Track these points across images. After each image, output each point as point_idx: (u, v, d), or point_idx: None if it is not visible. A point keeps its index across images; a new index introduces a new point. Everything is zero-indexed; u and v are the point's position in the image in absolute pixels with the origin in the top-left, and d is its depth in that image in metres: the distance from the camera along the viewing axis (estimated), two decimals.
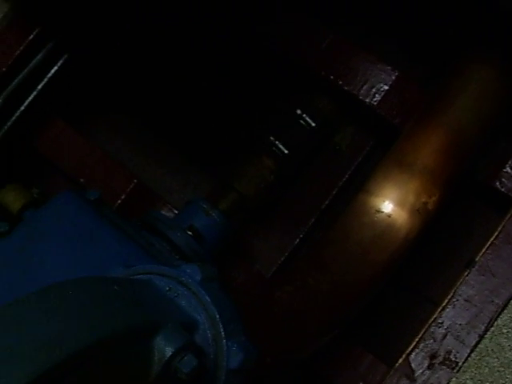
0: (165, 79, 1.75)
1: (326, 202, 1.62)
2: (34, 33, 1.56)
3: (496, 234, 1.28)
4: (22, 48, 1.55)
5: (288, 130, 1.60)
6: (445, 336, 1.24)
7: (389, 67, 1.52)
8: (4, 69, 1.54)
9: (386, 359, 1.42)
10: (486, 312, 1.23)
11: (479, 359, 1.16)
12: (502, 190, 1.41)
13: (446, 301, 1.26)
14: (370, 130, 1.62)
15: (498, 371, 1.14)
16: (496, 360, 1.15)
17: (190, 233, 1.41)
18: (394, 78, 1.51)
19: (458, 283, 1.27)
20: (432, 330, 1.25)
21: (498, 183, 1.41)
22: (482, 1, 1.32)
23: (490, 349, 1.16)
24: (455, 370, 1.20)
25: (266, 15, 1.62)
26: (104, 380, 0.82)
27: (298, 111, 1.60)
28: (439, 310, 1.26)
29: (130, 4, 1.62)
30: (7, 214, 1.45)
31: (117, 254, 1.22)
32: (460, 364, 1.20)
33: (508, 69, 1.35)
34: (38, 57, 1.58)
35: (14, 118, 1.59)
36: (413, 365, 1.24)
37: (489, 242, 1.27)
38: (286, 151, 1.58)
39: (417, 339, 1.25)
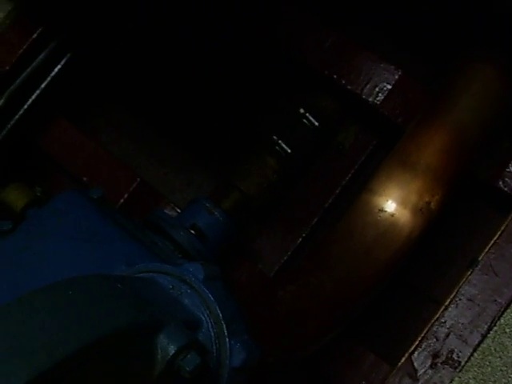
0: (168, 78, 1.75)
1: (329, 201, 1.62)
2: (38, 32, 1.56)
3: (499, 233, 1.28)
4: (25, 47, 1.55)
5: (291, 129, 1.60)
6: (447, 335, 1.24)
7: (392, 66, 1.52)
8: (7, 68, 1.55)
9: (388, 358, 1.42)
10: (489, 311, 1.23)
11: (482, 358, 1.16)
12: (505, 189, 1.41)
13: (449, 300, 1.26)
14: (373, 130, 1.62)
15: (501, 370, 1.14)
16: (499, 359, 1.15)
17: (192, 232, 1.41)
18: (397, 77, 1.51)
19: (461, 282, 1.27)
20: (435, 329, 1.25)
21: (500, 183, 1.41)
22: (485, 0, 1.32)
23: (492, 348, 1.16)
24: (458, 370, 1.20)
25: (269, 15, 1.62)
26: (107, 378, 0.82)
27: (301, 110, 1.60)
28: (442, 309, 1.26)
29: (134, 3, 1.62)
30: (10, 212, 1.46)
31: (120, 252, 1.22)
32: (462, 363, 1.20)
33: (511, 68, 1.35)
34: (42, 56, 1.58)
35: (17, 116, 1.60)
36: (415, 364, 1.24)
37: (492, 242, 1.27)
38: (289, 150, 1.58)
39: (419, 338, 1.25)
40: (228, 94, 1.72)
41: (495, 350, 1.16)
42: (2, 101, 1.56)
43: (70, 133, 1.67)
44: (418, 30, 1.57)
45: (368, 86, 1.52)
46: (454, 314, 1.25)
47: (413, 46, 1.62)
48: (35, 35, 1.56)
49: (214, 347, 0.93)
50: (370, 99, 1.52)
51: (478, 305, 1.24)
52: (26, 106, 1.60)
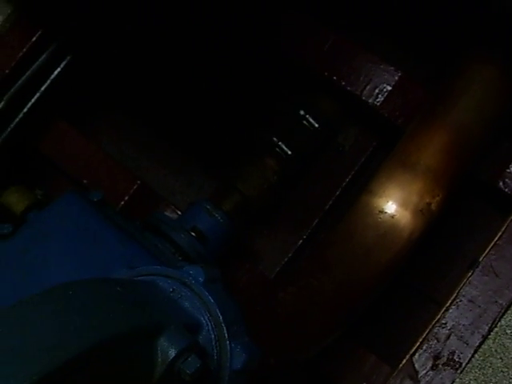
0: (167, 80, 1.75)
1: (330, 203, 1.62)
2: (37, 34, 1.56)
3: (499, 234, 1.28)
4: (25, 50, 1.55)
5: (291, 130, 1.60)
6: (448, 337, 1.24)
7: (392, 68, 1.52)
8: (7, 71, 1.55)
9: (389, 360, 1.42)
10: (490, 312, 1.23)
11: (483, 360, 1.16)
12: (506, 190, 1.41)
13: (450, 301, 1.26)
14: (373, 131, 1.62)
15: (502, 372, 1.14)
16: (500, 360, 1.15)
17: (193, 234, 1.41)
18: (396, 78, 1.51)
19: (462, 284, 1.27)
20: (435, 330, 1.25)
21: (501, 183, 1.41)
22: (485, 0, 1.32)
23: (493, 349, 1.16)
24: (459, 371, 1.20)
25: (269, 16, 1.62)
26: (107, 381, 0.82)
27: (301, 112, 1.60)
28: (443, 310, 1.26)
29: (132, 5, 1.62)
30: (11, 215, 1.46)
31: (120, 255, 1.22)
32: (463, 365, 1.20)
33: (510, 69, 1.35)
34: (41, 58, 1.58)
35: (17, 119, 1.60)
36: (416, 365, 1.23)
37: (492, 243, 1.27)
38: (289, 152, 1.58)
39: (420, 340, 1.25)
40: (228, 96, 1.72)
41: (496, 351, 1.16)
42: (2, 104, 1.56)
43: (70, 135, 1.67)
44: (417, 31, 1.57)
45: (368, 88, 1.52)
46: (454, 316, 1.25)
47: (413, 47, 1.62)
48: (35, 38, 1.56)
49: (215, 350, 0.93)
50: (370, 100, 1.52)
51: (479, 306, 1.24)
52: (25, 109, 1.60)
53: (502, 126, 1.38)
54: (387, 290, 1.37)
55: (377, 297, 1.37)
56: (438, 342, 1.24)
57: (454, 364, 1.22)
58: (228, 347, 0.94)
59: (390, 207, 1.32)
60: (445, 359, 1.23)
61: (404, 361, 1.24)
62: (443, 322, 1.25)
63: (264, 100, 1.72)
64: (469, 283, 1.26)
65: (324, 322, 1.36)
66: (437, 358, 1.23)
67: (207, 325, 0.94)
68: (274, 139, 1.58)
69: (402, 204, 1.32)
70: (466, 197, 1.50)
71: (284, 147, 1.58)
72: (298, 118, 1.60)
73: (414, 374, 1.23)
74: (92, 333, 0.79)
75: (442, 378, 1.21)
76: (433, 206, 1.32)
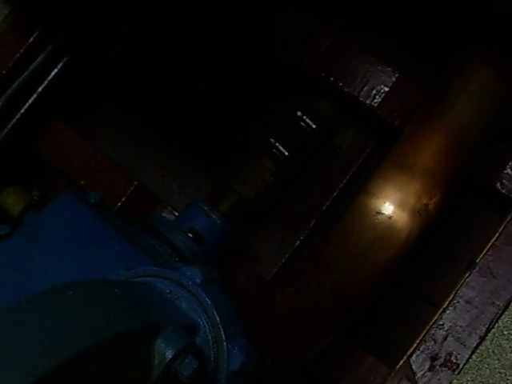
0: (164, 81, 1.75)
1: (327, 204, 1.62)
2: (34, 35, 1.56)
3: (497, 235, 1.28)
4: (22, 50, 1.55)
5: (288, 131, 1.60)
6: (446, 338, 1.24)
7: (389, 69, 1.52)
8: (4, 71, 1.54)
9: (387, 361, 1.42)
10: (487, 314, 1.23)
11: (480, 361, 1.16)
12: (503, 191, 1.41)
13: (447, 302, 1.26)
14: (371, 132, 1.62)
15: (499, 373, 1.14)
16: (497, 362, 1.15)
17: (190, 235, 1.41)
18: (394, 79, 1.51)
19: (459, 285, 1.27)
20: (433, 331, 1.25)
21: (498, 184, 1.41)
22: (482, 2, 1.32)
23: (490, 350, 1.16)
24: (456, 372, 1.20)
25: (266, 17, 1.62)
26: (105, 382, 0.82)
27: (299, 113, 1.60)
28: (440, 311, 1.26)
29: (129, 6, 1.62)
30: (8, 216, 1.45)
31: (117, 256, 1.22)
32: (461, 366, 1.20)
33: (508, 69, 1.35)
34: (38, 59, 1.58)
35: (14, 120, 1.60)
36: (414, 367, 1.23)
37: (489, 244, 1.27)
38: (286, 153, 1.58)
39: (418, 341, 1.25)
40: (225, 97, 1.72)
41: (493, 352, 1.16)
42: None
43: (67, 136, 1.67)
44: (415, 32, 1.58)
45: (365, 89, 1.52)
46: (452, 317, 1.25)
47: (410, 48, 1.62)
48: (32, 39, 1.55)
49: (212, 351, 0.93)
50: (367, 101, 1.52)
51: (476, 307, 1.24)
52: (22, 110, 1.60)
53: (499, 126, 1.38)
54: (385, 291, 1.37)
55: (374, 298, 1.37)
56: (436, 343, 1.24)
57: (451, 365, 1.22)
58: (225, 348, 0.94)
59: (388, 208, 1.32)
60: (442, 360, 1.23)
61: (401, 362, 1.24)
62: (440, 323, 1.25)
63: (261, 101, 1.71)
64: (466, 284, 1.26)
65: (321, 322, 1.36)
66: (434, 359, 1.23)
67: (204, 326, 0.94)
68: (272, 140, 1.58)
69: (400, 205, 1.32)
70: (464, 198, 1.49)
71: (281, 148, 1.58)
72: (295, 119, 1.60)
73: (411, 375, 1.23)
74: (89, 334, 0.79)
75: (439, 379, 1.21)
76: (430, 207, 1.32)
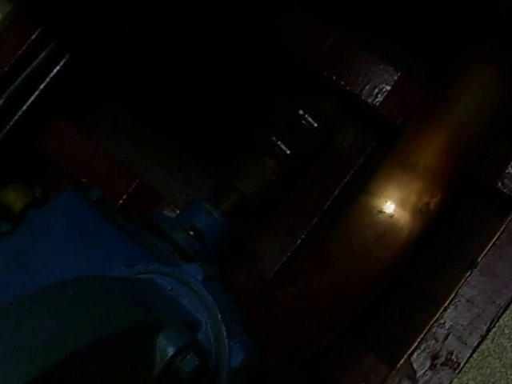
0: (166, 79, 1.75)
1: (328, 203, 1.62)
2: (36, 33, 1.56)
3: (498, 234, 1.28)
4: (24, 48, 1.55)
5: (290, 130, 1.60)
6: (447, 336, 1.24)
7: (391, 67, 1.52)
8: (6, 68, 1.54)
9: (387, 360, 1.42)
10: (488, 312, 1.23)
11: (481, 360, 1.16)
12: (504, 190, 1.41)
13: (448, 301, 1.26)
14: (373, 131, 1.62)
15: (500, 372, 1.14)
16: (498, 361, 1.15)
17: (191, 233, 1.41)
18: (396, 78, 1.51)
19: (460, 284, 1.27)
20: (434, 330, 1.25)
21: (500, 184, 1.41)
22: (484, 0, 1.31)
23: (491, 349, 1.16)
24: (457, 371, 1.20)
25: (269, 15, 1.62)
26: (105, 379, 0.82)
27: (300, 111, 1.60)
28: (441, 310, 1.26)
29: (131, 4, 1.62)
30: (9, 213, 1.46)
31: (119, 253, 1.22)
32: (462, 365, 1.20)
33: (510, 69, 1.35)
34: (40, 57, 1.58)
35: (16, 117, 1.60)
36: (414, 365, 1.23)
37: (491, 243, 1.27)
38: (287, 151, 1.58)
39: (418, 340, 1.25)
40: (227, 95, 1.72)
41: (494, 351, 1.16)
42: (1, 101, 1.56)
43: (68, 134, 1.67)
44: (417, 31, 1.57)
45: (367, 87, 1.52)
46: (453, 316, 1.25)
47: (412, 47, 1.62)
48: (34, 36, 1.55)
49: (213, 348, 0.93)
50: (369, 100, 1.52)
51: (477, 306, 1.24)
52: (25, 107, 1.60)
53: (500, 126, 1.38)
54: (386, 290, 1.37)
55: (375, 296, 1.37)
56: (437, 341, 1.24)
57: (452, 364, 1.22)
58: (226, 345, 0.94)
59: (389, 207, 1.32)
60: (443, 359, 1.23)
61: (402, 360, 1.24)
62: (441, 321, 1.25)
63: (263, 99, 1.72)
64: (467, 283, 1.26)
65: (322, 321, 1.36)
66: (435, 357, 1.23)
67: (206, 323, 0.94)
68: (273, 138, 1.58)
69: (401, 204, 1.32)
70: (465, 197, 1.50)
71: (283, 146, 1.58)
72: (297, 118, 1.60)
73: (412, 374, 1.23)
74: (90, 330, 0.79)
75: (440, 377, 1.21)
76: (431, 206, 1.32)
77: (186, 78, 1.74)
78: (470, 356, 1.19)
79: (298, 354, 1.41)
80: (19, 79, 1.57)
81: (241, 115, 1.72)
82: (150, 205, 1.60)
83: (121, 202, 1.59)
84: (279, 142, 1.58)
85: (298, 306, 1.37)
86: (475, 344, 1.21)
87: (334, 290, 1.34)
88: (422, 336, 1.25)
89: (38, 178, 1.69)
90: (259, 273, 1.57)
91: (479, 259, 1.27)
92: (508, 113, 1.37)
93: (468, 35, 1.41)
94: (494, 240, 1.27)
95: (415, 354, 1.24)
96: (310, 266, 1.39)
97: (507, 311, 1.20)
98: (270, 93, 1.70)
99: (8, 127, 1.59)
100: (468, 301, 1.25)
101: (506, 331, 1.17)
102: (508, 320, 1.18)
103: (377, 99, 1.52)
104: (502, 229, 1.28)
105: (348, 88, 1.54)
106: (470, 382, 1.15)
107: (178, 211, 1.58)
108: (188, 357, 0.86)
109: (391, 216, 1.32)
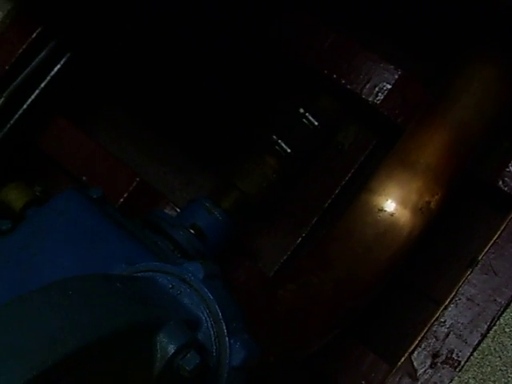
0: (167, 78, 1.75)
1: (329, 201, 1.62)
2: (37, 31, 1.56)
3: (499, 233, 1.27)
4: (24, 46, 1.55)
5: (291, 128, 1.60)
6: (447, 335, 1.24)
7: (392, 66, 1.52)
8: (7, 67, 1.55)
9: (388, 358, 1.42)
10: (489, 311, 1.23)
11: (482, 358, 1.16)
12: (505, 189, 1.41)
13: (449, 300, 1.26)
14: (373, 129, 1.62)
15: (501, 370, 1.14)
16: (498, 359, 1.15)
17: (192, 231, 1.41)
18: (396, 77, 1.51)
19: (461, 282, 1.27)
20: (434, 328, 1.25)
21: (500, 182, 1.41)
22: (484, 0, 1.32)
23: (492, 348, 1.16)
24: (457, 369, 1.20)
25: (269, 14, 1.62)
26: (106, 377, 0.82)
27: (301, 110, 1.60)
28: (441, 308, 1.26)
29: (132, 3, 1.62)
30: (10, 212, 1.46)
31: (119, 251, 1.22)
32: (462, 363, 1.20)
33: (510, 68, 1.35)
34: (41, 55, 1.58)
35: (16, 116, 1.60)
36: (415, 364, 1.23)
37: (491, 241, 1.27)
38: (288, 150, 1.58)
39: (419, 338, 1.25)
40: (228, 94, 1.72)
41: (495, 349, 1.16)
42: (2, 100, 1.56)
43: (69, 132, 1.67)
44: (417, 30, 1.57)
45: (368, 86, 1.52)
46: (453, 314, 1.25)
47: (413, 46, 1.62)
48: (35, 35, 1.56)
49: (214, 346, 0.93)
50: (370, 99, 1.52)
51: (478, 304, 1.24)
52: (25, 106, 1.60)
53: (501, 124, 1.38)
54: (386, 289, 1.37)
55: (376, 295, 1.37)
56: (437, 340, 1.24)
57: (452, 362, 1.22)
58: (227, 344, 0.94)
59: (390, 205, 1.32)
60: (443, 357, 1.23)
61: (403, 359, 1.24)
62: (442, 320, 1.25)
63: (264, 98, 1.72)
64: (468, 282, 1.26)
65: (323, 319, 1.36)
66: (435, 356, 1.23)
67: (206, 321, 0.94)
68: (274, 137, 1.58)
69: (402, 202, 1.32)
70: (466, 196, 1.50)
71: (284, 145, 1.58)
72: (297, 116, 1.60)
73: (412, 372, 1.23)
74: (91, 328, 0.79)
75: (440, 376, 1.21)
76: (432, 205, 1.32)
77: (186, 78, 1.74)
78: (471, 354, 1.19)
79: (298, 352, 1.41)
80: (20, 78, 1.57)
81: (241, 114, 1.72)
82: (151, 203, 1.60)
83: (121, 200, 1.59)
84: (280, 141, 1.58)
85: (299, 305, 1.37)
86: (476, 342, 1.21)
87: (335, 288, 1.34)
88: (422, 334, 1.25)
89: (38, 177, 1.69)
90: (260, 271, 1.58)
91: (480, 258, 1.27)
92: (508, 111, 1.37)
93: (468, 34, 1.41)
94: (494, 238, 1.27)
95: (416, 352, 1.24)
96: (310, 265, 1.39)
97: (508, 310, 1.20)
98: (270, 92, 1.70)
99: (8, 126, 1.60)
100: (468, 299, 1.25)
101: (507, 330, 1.17)
102: (509, 318, 1.18)
103: (377, 98, 1.52)
104: (502, 227, 1.28)
105: (349, 87, 1.54)
106: (470, 380, 1.15)
107: (178, 210, 1.58)
108: (189, 355, 0.86)
109: (392, 214, 1.31)
